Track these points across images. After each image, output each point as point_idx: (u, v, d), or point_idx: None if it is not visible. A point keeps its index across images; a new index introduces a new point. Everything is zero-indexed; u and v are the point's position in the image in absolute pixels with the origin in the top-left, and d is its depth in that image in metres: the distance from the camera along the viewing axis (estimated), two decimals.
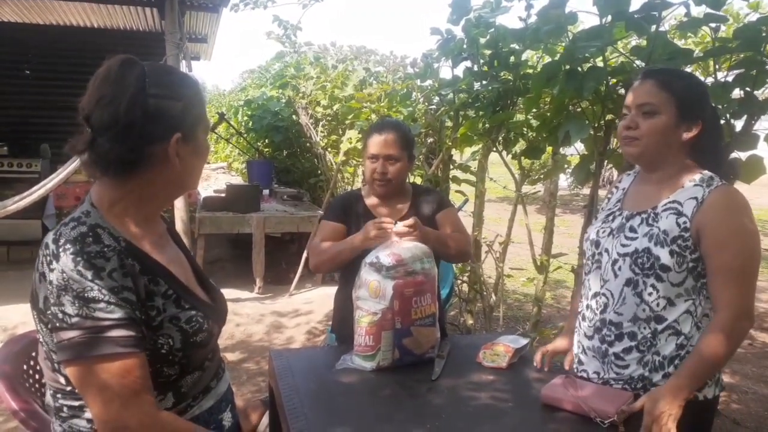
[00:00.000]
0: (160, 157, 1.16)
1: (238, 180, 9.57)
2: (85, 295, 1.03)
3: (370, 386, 1.75)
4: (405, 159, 2.21)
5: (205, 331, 1.19)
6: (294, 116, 7.41)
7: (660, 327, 1.57)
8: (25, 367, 2.01)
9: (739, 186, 1.75)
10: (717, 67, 2.15)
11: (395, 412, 1.60)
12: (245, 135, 8.34)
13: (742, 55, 2.04)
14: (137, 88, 1.13)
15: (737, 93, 2.06)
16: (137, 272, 1.10)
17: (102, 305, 1.03)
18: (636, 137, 1.57)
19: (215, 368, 1.30)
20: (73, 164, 4.56)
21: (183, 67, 5.06)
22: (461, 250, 2.25)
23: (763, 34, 1.94)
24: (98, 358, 1.03)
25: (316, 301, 5.17)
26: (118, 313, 1.04)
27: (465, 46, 3.23)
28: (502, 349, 1.95)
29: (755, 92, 2.02)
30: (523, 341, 2.04)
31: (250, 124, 8.34)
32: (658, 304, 1.56)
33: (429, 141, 4.06)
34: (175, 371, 1.16)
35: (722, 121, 2.04)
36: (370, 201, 2.30)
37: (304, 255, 5.51)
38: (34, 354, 2.06)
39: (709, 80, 2.12)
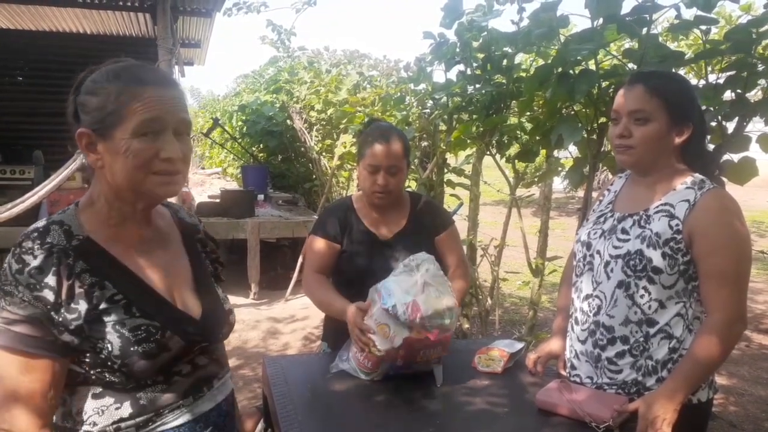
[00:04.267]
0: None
1: (232, 185, 9.57)
2: (3, 287, 1.04)
3: (365, 393, 1.74)
4: (405, 167, 2.10)
5: (153, 342, 1.10)
6: (288, 121, 7.41)
7: (652, 330, 1.56)
8: None
9: (733, 187, 1.76)
10: (709, 69, 2.15)
11: (390, 418, 1.59)
12: (239, 140, 8.34)
13: (733, 57, 2.04)
14: (76, 88, 1.13)
15: (729, 95, 2.06)
16: (76, 272, 1.07)
17: (15, 299, 1.03)
18: (630, 145, 1.57)
19: (190, 385, 1.19)
20: (66, 171, 4.54)
21: (176, 72, 5.05)
22: (466, 290, 2.22)
23: (754, 36, 1.94)
24: (4, 349, 1.03)
25: (312, 306, 5.13)
26: (24, 312, 1.03)
27: (458, 49, 3.24)
28: (497, 353, 1.95)
29: (747, 94, 2.03)
30: (519, 346, 2.03)
31: (245, 129, 8.34)
32: (649, 307, 1.56)
33: (423, 145, 4.06)
34: (120, 379, 1.10)
35: (714, 124, 2.05)
36: (365, 215, 2.15)
37: (300, 260, 5.50)
38: None
39: (701, 82, 2.12)
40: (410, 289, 1.64)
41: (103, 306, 1.08)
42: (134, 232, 1.18)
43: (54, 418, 1.12)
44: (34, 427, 1.04)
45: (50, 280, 1.04)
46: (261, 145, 8.15)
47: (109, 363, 1.08)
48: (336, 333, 2.04)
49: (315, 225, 2.23)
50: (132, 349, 1.08)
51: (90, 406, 1.11)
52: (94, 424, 1.11)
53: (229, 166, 11.85)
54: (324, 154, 6.40)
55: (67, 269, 1.06)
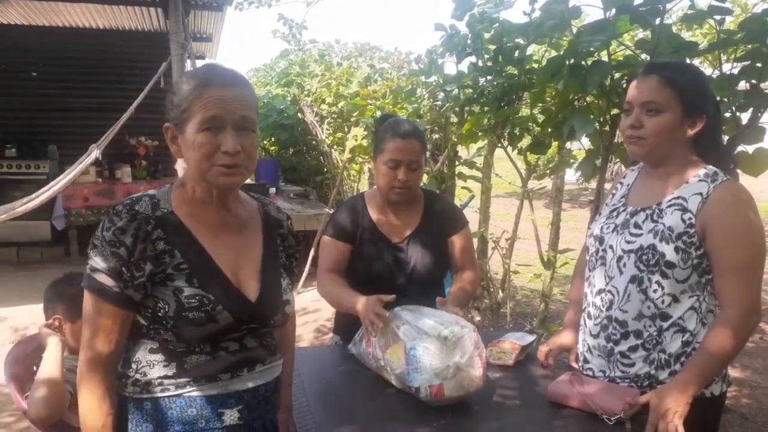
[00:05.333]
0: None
1: None
2: (93, 241, 1.22)
3: (377, 385, 1.75)
4: (424, 164, 2.08)
5: (203, 312, 1.22)
6: (299, 114, 7.42)
7: (665, 324, 1.56)
8: (34, 368, 2.03)
9: (746, 178, 1.74)
10: (723, 59, 2.12)
11: (402, 411, 1.60)
12: None
13: (748, 47, 2.02)
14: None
15: (743, 85, 2.04)
16: (152, 238, 1.22)
17: (97, 252, 1.21)
18: (642, 136, 1.56)
19: (232, 363, 1.29)
20: (81, 165, 4.59)
21: (188, 66, 5.06)
22: (475, 291, 2.20)
23: None
24: (87, 290, 1.23)
25: (323, 299, 5.17)
26: (104, 264, 1.20)
27: (469, 41, 3.22)
28: (508, 346, 1.95)
29: (761, 84, 2.00)
30: (530, 338, 2.04)
31: None
32: (663, 301, 1.55)
33: (434, 137, 4.05)
34: (172, 339, 1.23)
35: (728, 115, 2.02)
36: (377, 214, 2.12)
37: (311, 253, 5.52)
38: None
39: (715, 73, 2.10)
40: (441, 372, 1.55)
41: (169, 271, 1.24)
42: (212, 214, 1.32)
43: (123, 366, 1.29)
44: (96, 358, 1.23)
45: (128, 240, 1.20)
46: (272, 138, 8.18)
47: (164, 322, 1.22)
48: (348, 326, 2.04)
49: (327, 225, 2.22)
50: (183, 314, 1.22)
51: (145, 358, 1.26)
52: (145, 374, 1.26)
53: None
54: (335, 147, 6.41)
55: (145, 234, 1.22)
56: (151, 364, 1.26)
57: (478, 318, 3.67)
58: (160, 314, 1.22)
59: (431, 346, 1.60)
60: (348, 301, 1.96)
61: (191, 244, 1.28)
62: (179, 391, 1.25)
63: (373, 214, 2.14)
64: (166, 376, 1.25)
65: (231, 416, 1.29)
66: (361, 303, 1.86)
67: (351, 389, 1.76)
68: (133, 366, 1.27)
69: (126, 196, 1.30)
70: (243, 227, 1.38)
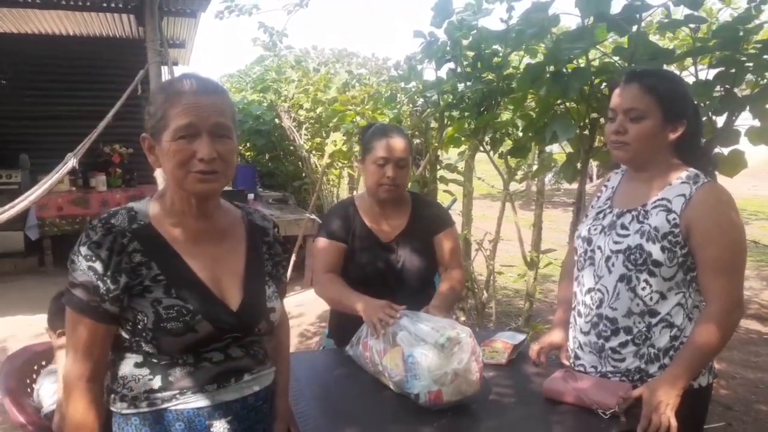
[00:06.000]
0: None
1: None
2: (71, 256, 1.23)
3: (375, 388, 1.79)
4: (410, 164, 2.17)
5: (181, 322, 1.22)
6: (276, 120, 7.41)
7: (654, 320, 1.63)
8: (27, 381, 2.02)
9: (721, 178, 1.82)
10: (697, 65, 2.21)
11: (402, 412, 1.64)
12: None
13: (723, 54, 2.11)
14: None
15: (718, 91, 2.13)
16: (129, 251, 1.23)
17: (75, 267, 1.22)
18: (626, 142, 1.63)
19: (217, 373, 1.28)
20: (57, 174, 4.53)
21: (165, 73, 5.03)
22: (460, 292, 2.29)
23: (740, 34, 2.01)
24: (66, 305, 1.24)
25: (306, 303, 5.19)
26: (81, 278, 1.20)
27: (448, 48, 3.28)
28: (500, 345, 2.00)
29: (735, 89, 2.10)
30: (521, 337, 2.09)
31: None
32: (651, 298, 1.62)
33: (415, 142, 4.10)
34: (153, 351, 1.24)
35: (704, 118, 2.11)
36: (367, 215, 2.20)
37: (293, 258, 5.52)
38: (36, 367, 2.07)
39: (691, 79, 2.19)
40: (440, 378, 1.59)
41: (147, 283, 1.24)
42: (191, 223, 1.32)
43: (111, 381, 1.30)
44: (77, 373, 1.24)
45: (103, 254, 1.21)
46: (248, 144, 8.14)
47: (143, 334, 1.23)
48: (343, 330, 2.08)
49: (320, 227, 2.29)
50: (162, 325, 1.22)
51: (131, 372, 1.26)
52: (131, 389, 1.26)
53: None
54: (314, 152, 6.42)
55: (120, 247, 1.22)
56: (136, 379, 1.26)
57: (463, 318, 3.73)
58: (139, 326, 1.22)
59: (429, 353, 1.63)
60: (348, 300, 2.01)
61: (169, 255, 1.28)
62: (166, 405, 1.25)
63: (364, 216, 2.20)
64: (151, 390, 1.25)
65: (220, 428, 1.29)
66: (364, 303, 1.92)
67: (350, 392, 1.79)
68: (120, 381, 1.27)
69: (101, 205, 1.33)
70: (225, 236, 1.38)
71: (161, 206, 1.32)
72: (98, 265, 1.20)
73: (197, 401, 1.27)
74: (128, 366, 1.27)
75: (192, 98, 1.22)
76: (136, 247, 1.24)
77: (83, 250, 1.21)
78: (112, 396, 1.28)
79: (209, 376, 1.28)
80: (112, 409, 1.28)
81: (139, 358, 1.27)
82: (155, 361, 1.26)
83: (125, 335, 1.25)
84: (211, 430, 1.28)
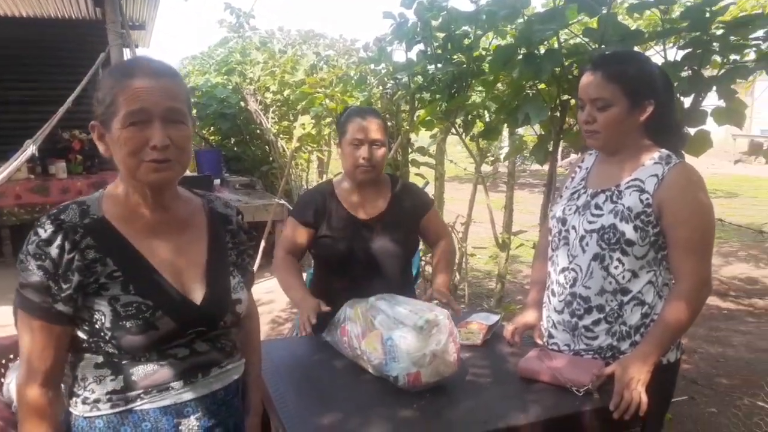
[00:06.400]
0: None
1: None
2: (20, 256, 1.18)
3: (354, 372, 1.79)
4: (386, 145, 2.18)
5: (140, 319, 1.17)
6: (242, 103, 7.29)
7: (625, 299, 1.66)
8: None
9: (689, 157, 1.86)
10: (666, 47, 2.24)
11: (381, 396, 1.64)
12: None
13: (691, 35, 2.14)
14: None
15: (685, 71, 2.16)
16: (81, 247, 1.17)
17: (25, 266, 1.16)
18: (596, 130, 1.67)
19: (183, 369, 1.24)
20: (16, 162, 4.38)
21: (127, 55, 4.89)
22: (455, 257, 2.40)
23: (707, 15, 2.04)
24: (17, 306, 1.19)
25: (277, 290, 5.11)
26: (32, 278, 1.15)
27: (418, 29, 3.26)
28: (475, 326, 2.02)
29: (702, 70, 2.13)
30: (495, 317, 2.12)
31: (194, 112, 8.15)
32: (623, 277, 1.65)
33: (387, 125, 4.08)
34: (113, 351, 1.18)
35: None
36: (345, 198, 2.21)
37: (262, 244, 5.47)
38: (3, 361, 2.02)
39: (660, 60, 2.22)
40: (418, 360, 1.60)
41: (102, 280, 1.17)
42: (147, 215, 1.25)
43: (72, 384, 1.24)
44: (30, 379, 1.18)
45: (53, 252, 1.15)
46: (213, 128, 8.00)
47: (102, 334, 1.17)
48: (319, 316, 2.08)
49: (293, 207, 2.31)
50: (120, 323, 1.16)
51: (92, 374, 1.21)
52: (93, 391, 1.21)
53: None
54: (281, 135, 6.34)
55: (71, 244, 1.16)
56: (98, 380, 1.20)
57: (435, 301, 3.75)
58: (97, 326, 1.17)
59: (407, 335, 1.63)
60: (294, 292, 2.13)
61: (125, 249, 1.22)
62: (130, 406, 1.20)
63: (342, 198, 2.22)
64: (114, 391, 1.20)
65: (188, 425, 1.25)
66: (301, 299, 2.06)
67: (329, 377, 1.78)
68: (81, 383, 1.22)
69: (61, 192, 1.27)
70: (184, 226, 1.32)
71: (115, 198, 1.25)
72: (49, 264, 1.14)
73: (163, 399, 1.22)
74: (88, 367, 1.21)
75: (142, 82, 1.15)
76: (89, 243, 1.18)
77: (32, 248, 1.15)
78: (73, 399, 1.22)
79: (174, 373, 1.23)
80: (74, 412, 1.22)
81: (99, 359, 1.21)
82: (116, 360, 1.20)
83: (83, 336, 1.19)
84: (180, 428, 1.23)
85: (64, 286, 1.15)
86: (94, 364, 1.21)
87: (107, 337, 1.17)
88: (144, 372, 1.20)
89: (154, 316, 1.18)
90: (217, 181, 6.47)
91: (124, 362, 1.20)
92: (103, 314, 1.16)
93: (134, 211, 1.25)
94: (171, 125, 1.17)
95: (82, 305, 1.17)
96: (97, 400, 1.20)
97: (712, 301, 5.06)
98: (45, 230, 1.16)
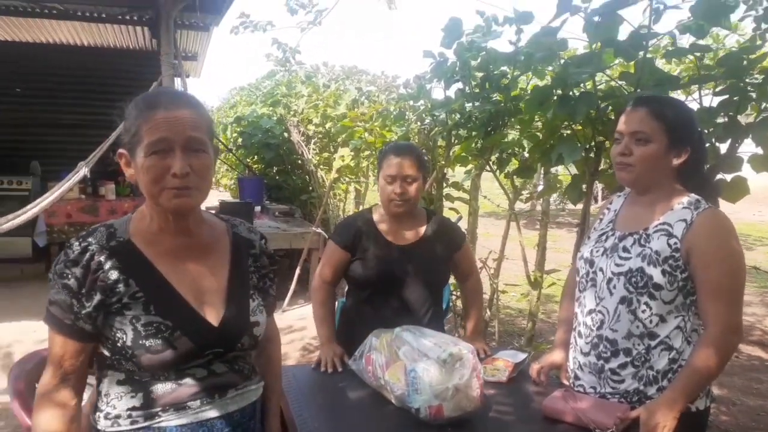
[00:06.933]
0: None
1: (226, 196, 9.59)
2: (49, 274, 1.26)
3: (377, 402, 1.81)
4: (421, 180, 2.25)
5: (160, 338, 1.21)
6: (285, 134, 7.48)
7: (653, 343, 1.65)
8: (36, 384, 2.04)
9: (722, 202, 1.85)
10: (701, 92, 2.25)
11: (402, 426, 1.66)
12: (234, 151, 8.39)
13: (727, 82, 2.15)
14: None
15: (721, 118, 2.16)
16: (105, 268, 1.22)
17: (53, 284, 1.23)
18: (630, 163, 1.66)
19: (200, 389, 1.27)
20: (69, 182, 4.59)
21: (178, 85, 5.11)
22: (482, 296, 2.53)
23: (745, 63, 2.05)
24: (44, 321, 1.25)
25: (309, 317, 5.14)
26: (57, 295, 1.21)
27: (457, 68, 3.34)
28: (502, 364, 2.02)
29: (738, 117, 2.13)
30: (522, 356, 2.11)
31: (240, 140, 8.39)
32: (651, 321, 1.64)
33: None
34: (134, 369, 1.23)
35: (707, 145, 2.15)
36: (383, 225, 2.30)
37: (297, 271, 5.55)
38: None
39: (695, 105, 2.23)
40: (441, 393, 1.61)
41: (125, 300, 1.23)
42: (170, 239, 1.31)
43: (96, 399, 1.30)
44: (49, 386, 1.24)
45: (78, 272, 1.21)
46: (256, 157, 8.21)
47: (123, 352, 1.22)
48: (348, 338, 2.17)
49: (333, 231, 2.43)
50: (140, 342, 1.21)
51: (114, 390, 1.26)
52: (114, 407, 1.26)
53: (223, 177, 11.90)
54: (321, 166, 6.47)
55: (97, 265, 1.22)
56: (119, 396, 1.25)
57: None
58: (119, 344, 1.21)
59: (431, 368, 1.65)
60: (322, 330, 2.25)
61: (148, 271, 1.26)
62: (148, 423, 1.24)
63: (379, 223, 2.31)
64: (134, 408, 1.24)
65: None
66: (327, 341, 2.19)
67: (352, 406, 1.81)
68: (104, 399, 1.27)
69: (109, 213, 1.34)
70: (207, 251, 1.36)
71: (141, 222, 1.31)
72: (73, 283, 1.20)
73: (180, 418, 1.25)
74: (111, 383, 1.27)
75: (164, 112, 1.20)
76: (114, 265, 1.23)
77: (59, 268, 1.21)
78: (97, 414, 1.27)
79: (192, 393, 1.26)
80: (98, 427, 1.26)
81: (121, 376, 1.26)
82: (137, 378, 1.25)
83: (106, 353, 1.25)
84: None
85: (86, 305, 1.20)
86: (117, 380, 1.26)
87: (128, 355, 1.21)
88: (163, 390, 1.25)
89: (173, 336, 1.22)
90: (257, 208, 6.61)
91: (144, 380, 1.25)
92: (124, 333, 1.21)
93: (158, 235, 1.30)
94: (192, 154, 1.22)
95: (104, 324, 1.22)
96: (117, 416, 1.25)
97: (755, 351, 4.88)
98: (73, 251, 1.22)
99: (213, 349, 1.29)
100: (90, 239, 1.25)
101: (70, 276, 1.20)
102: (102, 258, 1.23)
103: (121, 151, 1.27)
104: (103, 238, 1.26)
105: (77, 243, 1.24)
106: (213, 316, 1.30)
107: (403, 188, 2.19)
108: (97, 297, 1.21)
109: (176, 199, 1.22)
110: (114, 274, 1.22)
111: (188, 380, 1.26)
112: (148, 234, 1.30)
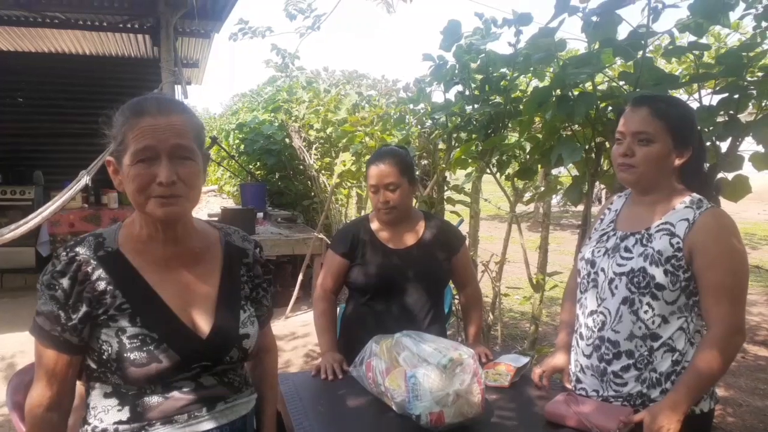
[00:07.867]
0: None
1: (229, 203, 9.60)
2: (37, 285, 1.23)
3: (378, 408, 1.79)
4: (405, 184, 2.22)
5: (144, 351, 1.18)
6: (287, 139, 7.48)
7: (656, 344, 1.63)
8: None
9: (725, 201, 1.83)
10: (701, 91, 2.23)
11: None
12: (237, 158, 8.40)
13: (727, 80, 2.13)
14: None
15: (722, 116, 2.14)
16: (92, 279, 1.20)
17: (41, 295, 1.21)
18: (632, 164, 1.65)
19: (188, 402, 1.25)
20: (70, 191, 4.59)
21: (178, 93, 5.12)
22: (482, 302, 2.51)
23: (744, 61, 2.03)
24: (31, 332, 1.24)
25: (312, 323, 5.18)
26: (45, 306, 1.20)
27: (456, 71, 3.32)
28: (503, 368, 2.00)
29: (738, 115, 2.11)
30: (524, 360, 2.09)
31: (242, 147, 8.40)
32: (653, 322, 1.62)
33: (423, 163, 4.14)
34: (119, 381, 1.21)
35: (708, 144, 2.13)
36: (380, 231, 2.31)
37: (300, 278, 5.54)
38: None
39: (695, 104, 2.21)
40: (441, 399, 1.59)
41: (111, 312, 1.21)
42: (158, 248, 1.29)
43: (85, 412, 1.28)
44: (37, 401, 1.22)
45: (65, 283, 1.19)
46: (258, 163, 8.21)
47: (108, 364, 1.20)
48: (349, 346, 2.15)
49: (332, 241, 2.44)
50: (125, 355, 1.18)
51: (101, 403, 1.24)
52: (101, 420, 1.24)
53: (226, 183, 11.91)
54: (323, 171, 6.47)
55: (84, 276, 1.20)
56: (105, 410, 1.23)
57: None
58: (104, 357, 1.19)
59: (431, 374, 1.63)
60: (323, 339, 2.25)
61: (135, 282, 1.24)
62: None
63: (376, 229, 2.31)
64: (120, 422, 1.22)
65: None
66: (327, 349, 2.18)
67: (352, 413, 1.79)
68: (92, 412, 1.25)
69: (112, 222, 1.31)
70: (197, 260, 1.33)
71: (130, 231, 1.28)
72: (60, 294, 1.18)
73: (166, 431, 1.23)
74: (98, 396, 1.25)
75: (150, 119, 1.18)
76: (101, 275, 1.21)
77: (46, 279, 1.19)
78: (85, 427, 1.26)
79: (179, 406, 1.23)
80: None
81: (108, 389, 1.24)
82: (124, 390, 1.23)
83: (93, 365, 1.23)
84: None
85: (73, 317, 1.18)
86: (104, 393, 1.24)
87: (113, 368, 1.19)
88: (150, 403, 1.22)
89: (159, 349, 1.20)
90: (260, 214, 6.61)
91: (131, 393, 1.23)
92: (110, 345, 1.19)
93: (147, 244, 1.28)
94: (178, 162, 1.19)
95: (90, 335, 1.20)
96: (104, 430, 1.22)
97: (761, 351, 4.84)
98: (60, 261, 1.20)
99: (200, 363, 1.26)
100: (78, 249, 1.23)
101: (57, 287, 1.19)
102: (89, 269, 1.21)
103: (108, 158, 1.25)
104: (91, 247, 1.24)
105: (65, 253, 1.22)
106: (201, 328, 1.28)
107: (386, 196, 2.20)
108: (84, 309, 1.19)
109: (163, 207, 1.20)
110: (101, 285, 1.21)
111: (176, 393, 1.25)
112: (138, 243, 1.28)
